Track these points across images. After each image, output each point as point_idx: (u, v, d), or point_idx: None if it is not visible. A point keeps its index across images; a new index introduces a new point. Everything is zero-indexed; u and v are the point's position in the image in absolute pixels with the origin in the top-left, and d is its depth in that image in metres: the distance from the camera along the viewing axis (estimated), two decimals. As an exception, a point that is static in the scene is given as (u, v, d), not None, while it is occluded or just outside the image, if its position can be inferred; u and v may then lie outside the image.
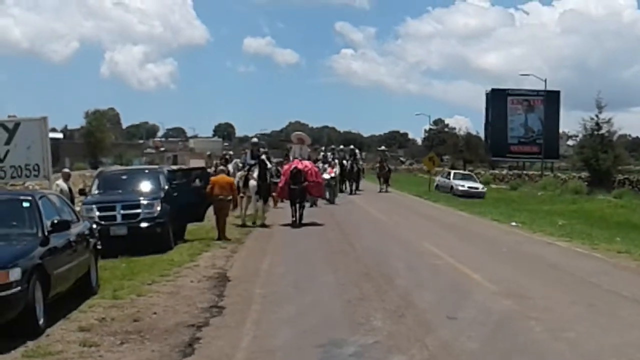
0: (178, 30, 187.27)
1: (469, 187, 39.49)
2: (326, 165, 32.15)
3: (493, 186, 50.06)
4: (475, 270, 13.14)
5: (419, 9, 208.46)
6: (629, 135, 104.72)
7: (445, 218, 25.55)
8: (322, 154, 35.76)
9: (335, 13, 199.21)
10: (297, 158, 22.81)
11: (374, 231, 20.66)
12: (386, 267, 13.73)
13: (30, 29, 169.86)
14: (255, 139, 26.33)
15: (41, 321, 8.79)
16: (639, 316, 9.79)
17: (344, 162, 36.74)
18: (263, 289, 11.71)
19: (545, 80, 59.70)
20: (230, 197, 18.59)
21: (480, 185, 41.32)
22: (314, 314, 9.90)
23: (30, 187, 21.36)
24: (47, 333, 8.74)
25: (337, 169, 32.95)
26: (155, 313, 9.85)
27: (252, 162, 22.25)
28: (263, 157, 21.90)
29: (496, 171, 65.26)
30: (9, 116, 21.46)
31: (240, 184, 21.80)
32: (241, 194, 21.94)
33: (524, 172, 62.61)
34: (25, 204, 10.03)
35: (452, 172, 45.10)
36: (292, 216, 21.66)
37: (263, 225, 21.37)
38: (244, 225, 21.09)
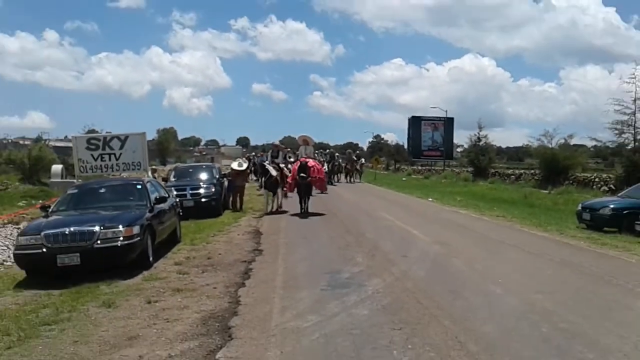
0: (212, 78, 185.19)
1: None
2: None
3: (413, 177, 50.24)
4: (414, 228, 13.20)
5: (362, 66, 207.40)
6: (495, 145, 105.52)
7: (388, 197, 25.53)
8: (321, 156, 31.24)
9: (310, 68, 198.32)
10: (303, 157, 17.99)
11: (347, 205, 20.35)
12: (359, 227, 13.71)
13: (119, 78, 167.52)
14: (277, 142, 21.52)
15: (151, 259, 8.87)
16: (518, 255, 9.93)
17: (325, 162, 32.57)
18: (285, 239, 11.77)
19: (447, 111, 60.16)
20: (244, 183, 18.21)
21: None
22: (318, 254, 9.97)
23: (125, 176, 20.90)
24: (154, 266, 8.82)
25: (325, 167, 29.45)
26: (220, 254, 9.92)
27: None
28: (265, 162, 17.84)
29: (414, 167, 65.42)
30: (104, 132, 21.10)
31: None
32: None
33: (432, 168, 62.61)
34: (138, 186, 10.05)
35: None
36: (300, 207, 16.75)
37: (276, 212, 17.29)
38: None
